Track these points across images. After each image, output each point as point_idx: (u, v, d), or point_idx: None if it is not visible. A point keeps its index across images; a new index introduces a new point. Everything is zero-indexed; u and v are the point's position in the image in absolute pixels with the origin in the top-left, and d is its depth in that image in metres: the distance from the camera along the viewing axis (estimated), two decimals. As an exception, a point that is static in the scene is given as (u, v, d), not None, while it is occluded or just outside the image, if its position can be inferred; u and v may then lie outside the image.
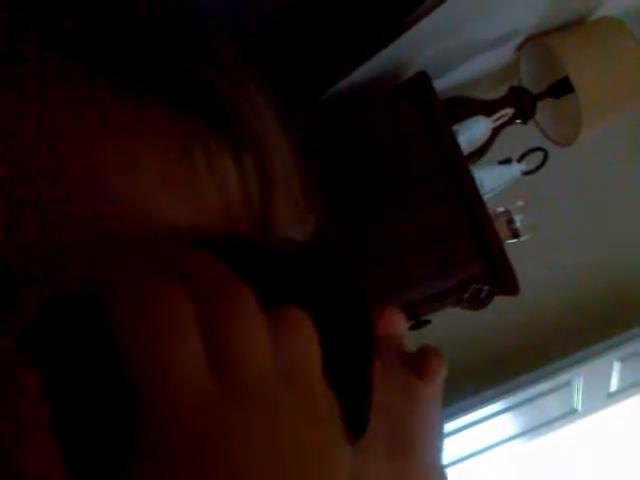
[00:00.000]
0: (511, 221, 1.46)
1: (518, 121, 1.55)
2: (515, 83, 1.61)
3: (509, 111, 1.50)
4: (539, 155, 1.56)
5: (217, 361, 0.19)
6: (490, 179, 1.43)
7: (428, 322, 1.42)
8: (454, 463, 2.07)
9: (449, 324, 1.66)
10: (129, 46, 0.27)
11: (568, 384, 2.06)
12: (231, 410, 0.19)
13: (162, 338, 0.19)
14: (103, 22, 0.27)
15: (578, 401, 2.13)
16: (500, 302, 1.46)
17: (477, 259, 1.32)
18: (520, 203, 1.49)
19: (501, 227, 1.42)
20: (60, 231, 0.24)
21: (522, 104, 1.52)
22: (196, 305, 0.20)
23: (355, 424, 0.25)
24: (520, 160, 1.54)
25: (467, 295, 1.39)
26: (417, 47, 1.39)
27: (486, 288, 1.38)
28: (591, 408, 2.17)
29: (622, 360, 2.07)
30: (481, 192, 1.35)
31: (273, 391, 0.20)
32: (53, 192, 0.24)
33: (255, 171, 0.29)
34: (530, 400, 2.02)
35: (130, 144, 0.26)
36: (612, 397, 2.19)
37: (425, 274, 1.31)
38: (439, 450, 0.39)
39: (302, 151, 0.34)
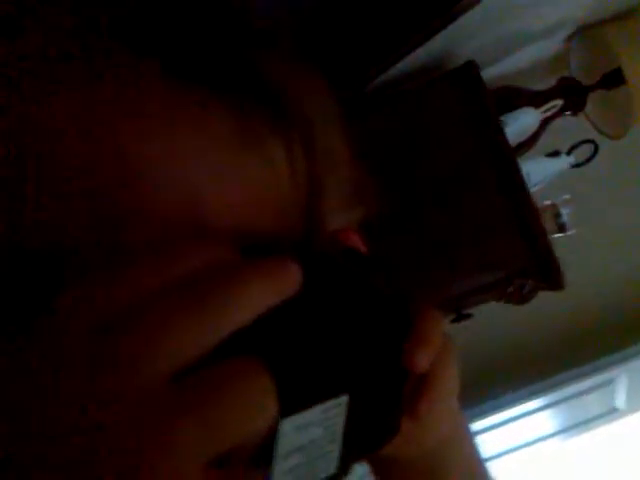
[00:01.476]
0: (558, 215, 1.44)
1: (568, 113, 1.52)
2: (565, 74, 1.58)
3: (558, 102, 1.47)
4: (588, 148, 1.53)
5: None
6: (538, 172, 1.41)
7: (470, 316, 1.42)
8: (492, 458, 2.06)
9: (491, 319, 1.65)
10: (175, 30, 0.27)
11: (611, 382, 2.03)
12: None
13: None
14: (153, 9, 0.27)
15: (621, 399, 2.10)
16: (543, 297, 1.44)
17: (523, 253, 1.30)
18: (567, 197, 1.47)
19: (548, 221, 1.40)
20: (111, 214, 0.24)
21: (572, 95, 1.50)
22: None
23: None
24: (569, 153, 1.51)
25: (511, 289, 1.37)
26: (466, 36, 1.37)
27: (530, 282, 1.36)
28: (634, 407, 2.14)
29: (667, 360, 2.03)
30: (528, 185, 1.33)
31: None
32: (107, 183, 0.24)
33: (303, 155, 0.29)
34: (572, 397, 2.00)
35: (178, 130, 0.26)
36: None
37: (470, 267, 1.30)
38: None
39: (352, 138, 0.34)
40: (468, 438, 0.41)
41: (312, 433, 0.23)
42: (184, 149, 0.25)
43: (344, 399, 0.24)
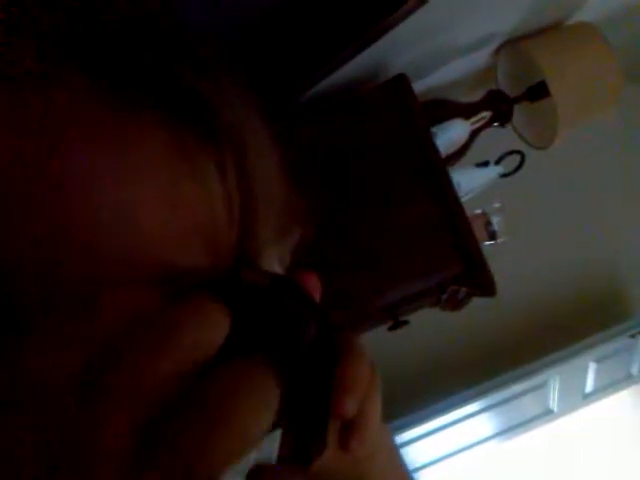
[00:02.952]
0: (488, 223, 1.47)
1: (496, 124, 1.56)
2: (493, 86, 1.63)
3: (487, 114, 1.51)
4: (516, 158, 1.58)
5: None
6: (468, 181, 1.44)
7: (406, 322, 1.43)
8: (431, 464, 2.08)
9: (426, 325, 1.67)
10: (119, 53, 0.27)
11: (544, 385, 2.08)
12: None
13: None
14: (96, 26, 0.27)
15: (554, 402, 2.15)
16: (477, 303, 1.47)
17: (455, 260, 1.33)
18: (497, 205, 1.50)
19: (479, 229, 1.43)
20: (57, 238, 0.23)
21: (499, 107, 1.54)
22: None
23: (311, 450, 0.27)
24: (498, 163, 1.55)
25: (445, 296, 1.39)
26: (396, 50, 1.39)
27: (463, 289, 1.39)
28: (567, 408, 2.20)
29: (598, 361, 2.10)
30: (459, 194, 1.35)
31: None
32: (50, 198, 0.23)
33: (236, 175, 0.29)
34: (506, 401, 2.04)
35: (128, 156, 0.25)
36: (588, 397, 2.21)
37: (403, 275, 1.32)
38: None
39: (286, 156, 0.34)
40: (388, 445, 0.41)
41: (251, 460, 0.24)
42: (117, 164, 0.25)
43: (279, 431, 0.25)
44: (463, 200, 1.38)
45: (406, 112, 1.36)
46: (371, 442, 0.33)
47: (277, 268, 0.35)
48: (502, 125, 1.58)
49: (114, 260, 0.24)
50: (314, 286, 0.31)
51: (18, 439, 0.18)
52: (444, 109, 1.48)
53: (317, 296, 0.31)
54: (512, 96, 1.58)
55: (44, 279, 0.23)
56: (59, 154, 0.24)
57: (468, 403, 1.96)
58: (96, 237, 0.24)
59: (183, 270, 0.26)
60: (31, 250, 0.23)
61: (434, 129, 1.40)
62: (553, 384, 2.09)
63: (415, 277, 1.33)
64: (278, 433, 0.26)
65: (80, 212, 0.23)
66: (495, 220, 1.48)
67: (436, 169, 1.34)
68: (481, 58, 1.67)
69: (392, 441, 0.42)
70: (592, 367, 2.11)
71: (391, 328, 1.43)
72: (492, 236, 1.47)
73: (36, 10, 0.25)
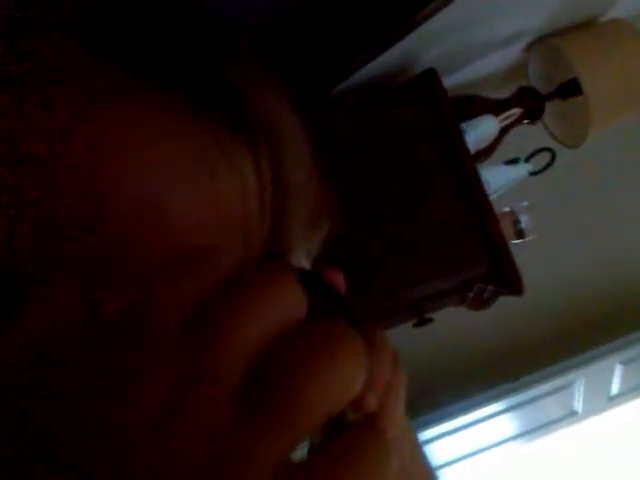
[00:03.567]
0: (517, 221, 1.46)
1: (526, 121, 1.54)
2: (524, 83, 1.61)
3: (517, 111, 1.50)
4: (546, 156, 1.56)
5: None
6: (497, 179, 1.43)
7: (431, 320, 1.43)
8: (453, 462, 2.08)
9: (452, 323, 1.66)
10: (149, 40, 0.27)
11: (569, 386, 2.06)
12: None
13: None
14: (123, 13, 0.27)
15: (579, 403, 2.13)
16: (503, 302, 1.46)
17: (482, 258, 1.32)
18: (526, 204, 1.49)
19: (507, 227, 1.42)
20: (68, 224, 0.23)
21: (530, 104, 1.52)
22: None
23: None
24: (527, 160, 1.54)
25: (471, 294, 1.39)
26: (426, 45, 1.39)
27: (490, 288, 1.38)
28: (592, 410, 2.18)
29: (624, 363, 2.07)
30: (488, 192, 1.34)
31: None
32: (63, 187, 0.23)
33: (271, 172, 0.29)
34: (531, 401, 2.03)
35: (162, 146, 0.25)
36: (613, 400, 2.19)
37: (430, 272, 1.31)
38: None
39: (316, 150, 0.34)
40: (412, 441, 0.41)
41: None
42: (151, 156, 0.25)
43: None
44: (491, 198, 1.37)
45: (435, 107, 1.35)
46: (393, 436, 0.33)
47: (304, 262, 0.35)
48: (532, 122, 1.56)
49: (143, 250, 0.24)
50: (339, 283, 0.30)
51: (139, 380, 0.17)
52: (474, 105, 1.47)
53: (342, 293, 0.31)
54: (543, 93, 1.56)
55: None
56: (96, 146, 0.24)
57: (492, 402, 1.95)
58: (129, 228, 0.24)
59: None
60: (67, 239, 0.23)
61: (463, 125, 1.39)
62: (578, 385, 2.07)
63: (441, 275, 1.32)
64: None
65: (114, 204, 0.23)
66: (523, 218, 1.46)
67: (465, 166, 1.33)
68: (512, 54, 1.65)
69: (416, 437, 0.42)
70: (618, 369, 2.08)
71: (416, 325, 1.42)
72: (520, 234, 1.46)
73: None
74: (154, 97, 0.26)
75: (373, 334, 0.30)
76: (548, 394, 2.04)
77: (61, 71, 0.24)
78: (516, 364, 1.96)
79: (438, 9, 1.24)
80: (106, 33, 0.26)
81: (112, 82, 0.25)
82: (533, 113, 1.54)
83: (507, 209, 1.47)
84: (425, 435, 1.95)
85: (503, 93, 1.56)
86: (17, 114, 0.23)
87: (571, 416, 2.18)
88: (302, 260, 0.35)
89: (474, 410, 1.94)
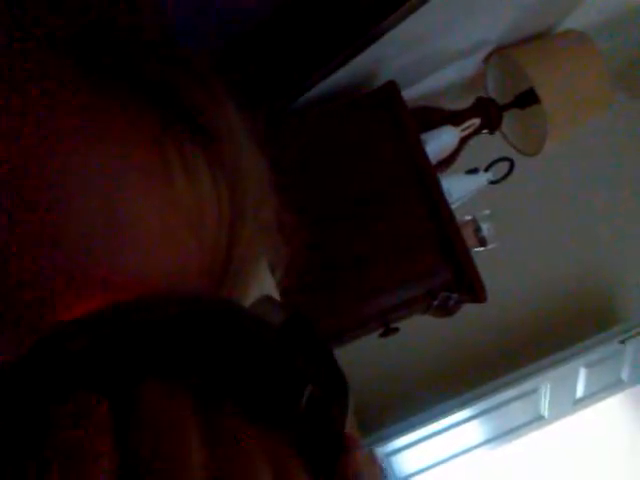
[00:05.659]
0: (478, 229, 1.47)
1: (485, 131, 1.57)
2: (482, 94, 1.64)
3: (476, 121, 1.52)
4: (506, 165, 1.58)
5: None
6: (457, 188, 1.45)
7: (397, 330, 1.43)
8: (422, 471, 2.08)
9: (417, 331, 1.67)
10: (117, 53, 0.27)
11: (535, 391, 2.09)
12: None
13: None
14: (93, 25, 0.27)
15: (545, 408, 2.15)
16: (467, 310, 1.47)
17: (445, 267, 1.33)
18: (487, 212, 1.51)
19: (468, 235, 1.43)
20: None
21: (489, 114, 1.54)
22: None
23: None
24: (487, 170, 1.56)
25: (436, 302, 1.39)
26: (386, 57, 1.40)
27: (454, 296, 1.39)
28: (558, 414, 2.20)
29: (588, 366, 2.10)
30: (449, 201, 1.36)
31: None
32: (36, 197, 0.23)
33: (227, 182, 0.29)
34: (497, 407, 2.04)
35: (114, 151, 0.25)
36: (578, 403, 2.22)
37: (393, 282, 1.32)
38: None
39: (274, 163, 0.34)
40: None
41: None
42: (110, 166, 0.25)
43: None
44: (453, 207, 1.39)
45: (396, 119, 1.37)
46: None
47: (267, 273, 0.35)
48: (491, 132, 1.59)
49: (101, 263, 0.24)
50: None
51: None
52: (434, 116, 1.49)
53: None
54: (501, 103, 1.58)
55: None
56: (55, 156, 0.24)
57: (458, 410, 1.96)
58: (87, 241, 0.24)
59: (173, 269, 0.26)
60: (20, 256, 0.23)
61: (424, 136, 1.40)
62: (544, 390, 2.10)
63: (405, 284, 1.33)
64: None
65: (72, 215, 0.24)
66: (485, 227, 1.48)
67: (426, 176, 1.34)
68: (470, 65, 1.68)
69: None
70: (582, 373, 2.11)
71: (382, 335, 1.43)
72: (482, 242, 1.47)
73: (38, 11, 0.26)
74: (116, 108, 0.26)
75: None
76: (514, 399, 2.06)
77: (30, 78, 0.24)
78: (480, 371, 1.97)
79: (398, 22, 1.25)
80: (75, 45, 0.26)
81: (73, 91, 0.25)
82: (492, 123, 1.56)
83: (468, 217, 1.49)
84: (392, 446, 1.95)
85: (462, 104, 1.58)
86: None
87: (538, 420, 2.20)
88: (263, 271, 0.35)
89: (441, 418, 1.95)
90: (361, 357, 1.60)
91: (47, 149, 0.24)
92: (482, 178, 1.52)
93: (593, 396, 2.22)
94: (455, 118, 1.50)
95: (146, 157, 0.26)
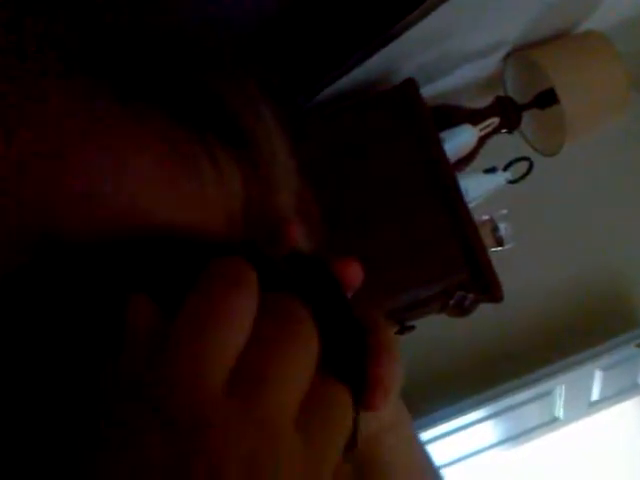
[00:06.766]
0: (496, 229, 1.47)
1: (504, 130, 1.56)
2: (501, 93, 1.63)
3: (495, 120, 1.51)
4: (524, 164, 1.58)
5: (243, 375, 0.21)
6: (475, 187, 1.44)
7: (413, 328, 1.43)
8: (436, 470, 2.07)
9: (433, 330, 1.67)
10: (134, 56, 0.28)
11: (550, 393, 2.07)
12: (228, 424, 0.20)
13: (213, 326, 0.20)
14: (106, 31, 0.28)
15: (560, 410, 2.14)
16: (484, 310, 1.47)
17: (462, 266, 1.33)
18: (504, 212, 1.50)
19: (486, 235, 1.43)
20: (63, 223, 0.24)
21: (508, 114, 1.54)
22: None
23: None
24: (505, 169, 1.55)
25: (452, 302, 1.39)
26: (405, 55, 1.40)
27: (471, 295, 1.39)
28: (573, 417, 2.19)
29: (604, 369, 2.09)
30: (466, 200, 1.35)
31: (275, 433, 0.20)
32: (53, 192, 0.24)
33: (256, 180, 0.30)
34: (512, 408, 2.03)
35: (129, 150, 0.26)
36: (593, 406, 2.21)
37: (411, 280, 1.32)
38: None
39: (297, 155, 0.35)
40: (409, 422, 0.41)
41: None
42: (129, 164, 0.26)
43: None
44: (470, 206, 1.38)
45: (414, 117, 1.36)
46: (394, 408, 0.33)
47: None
48: (510, 132, 1.58)
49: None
50: (353, 273, 0.31)
51: None
52: (452, 115, 1.48)
53: (356, 283, 0.31)
54: (520, 103, 1.58)
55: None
56: (66, 154, 0.25)
57: (473, 410, 1.96)
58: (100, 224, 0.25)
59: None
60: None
61: (442, 135, 1.40)
62: (559, 392, 2.08)
63: (422, 283, 1.33)
64: None
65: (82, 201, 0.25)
66: (502, 226, 1.47)
67: (444, 175, 1.34)
68: (490, 65, 1.67)
69: (411, 423, 0.42)
70: (598, 376, 2.10)
71: (398, 332, 1.43)
72: (499, 242, 1.47)
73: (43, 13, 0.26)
74: (144, 112, 0.27)
75: (373, 321, 0.30)
76: (529, 401, 2.05)
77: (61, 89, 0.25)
78: (495, 371, 1.97)
79: (417, 20, 1.25)
80: (98, 58, 0.27)
81: (107, 101, 0.26)
82: (511, 122, 1.55)
83: (486, 217, 1.48)
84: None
85: (481, 103, 1.57)
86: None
87: (553, 422, 2.19)
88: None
89: (455, 418, 1.94)
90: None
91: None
92: (500, 177, 1.51)
93: (608, 399, 2.21)
94: (474, 117, 1.50)
95: (177, 158, 0.27)
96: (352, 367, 0.26)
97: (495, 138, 1.55)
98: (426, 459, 0.43)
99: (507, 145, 1.63)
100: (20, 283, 0.23)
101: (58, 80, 0.25)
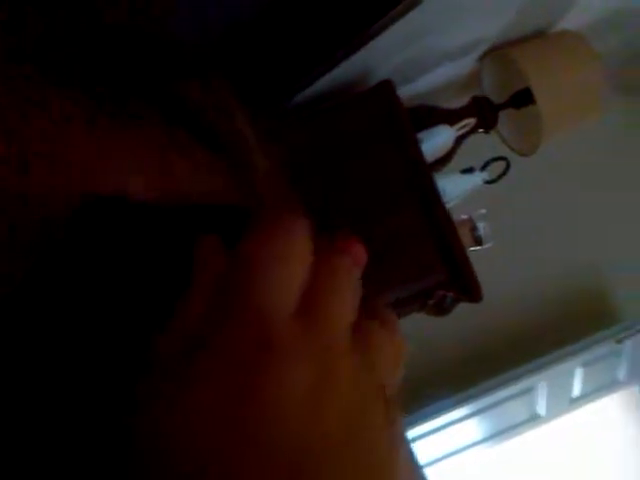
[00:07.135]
0: (474, 229, 1.47)
1: (481, 130, 1.57)
2: (478, 93, 1.64)
3: (472, 120, 1.52)
4: (501, 164, 1.58)
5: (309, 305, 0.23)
6: (453, 187, 1.45)
7: (393, 328, 1.43)
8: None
9: (413, 330, 1.67)
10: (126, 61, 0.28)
11: (531, 389, 2.09)
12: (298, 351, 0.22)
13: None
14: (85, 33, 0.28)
15: (541, 406, 2.16)
16: (464, 308, 1.47)
17: (441, 266, 1.33)
18: (483, 211, 1.51)
19: (464, 235, 1.44)
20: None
21: (484, 114, 1.55)
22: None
23: None
24: (482, 169, 1.56)
25: (432, 301, 1.40)
26: (382, 56, 1.40)
27: (450, 295, 1.39)
28: (554, 413, 2.21)
29: (584, 366, 2.11)
30: (444, 200, 1.36)
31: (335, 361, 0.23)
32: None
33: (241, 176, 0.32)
34: (494, 405, 2.04)
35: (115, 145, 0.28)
36: (575, 402, 2.22)
37: (389, 280, 1.32)
38: None
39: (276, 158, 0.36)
40: (401, 424, 0.41)
41: None
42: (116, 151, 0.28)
43: None
44: (448, 206, 1.39)
45: (392, 118, 1.37)
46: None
47: None
48: (487, 131, 1.59)
49: None
50: (357, 253, 0.31)
51: None
52: (429, 115, 1.49)
53: (362, 262, 0.32)
54: (497, 103, 1.59)
55: None
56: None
57: (455, 408, 1.97)
58: None
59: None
60: None
61: (419, 135, 1.40)
62: (540, 389, 2.10)
63: (401, 283, 1.33)
64: None
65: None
66: (480, 226, 1.48)
67: (422, 175, 1.35)
68: (466, 64, 1.68)
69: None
70: (579, 372, 2.12)
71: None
72: (478, 242, 1.48)
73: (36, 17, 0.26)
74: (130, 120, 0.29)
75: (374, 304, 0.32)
76: (511, 398, 2.07)
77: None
78: (476, 369, 1.98)
79: (394, 20, 1.25)
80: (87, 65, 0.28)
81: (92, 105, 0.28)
82: (487, 122, 1.56)
83: (464, 217, 1.49)
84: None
85: (458, 103, 1.58)
86: None
87: (534, 419, 2.20)
88: None
89: (437, 416, 1.95)
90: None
91: None
92: (478, 177, 1.52)
93: (589, 395, 2.22)
94: (451, 117, 1.50)
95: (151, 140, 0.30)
96: None
97: (472, 138, 1.55)
98: (412, 458, 0.44)
99: (484, 145, 1.64)
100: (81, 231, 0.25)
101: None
